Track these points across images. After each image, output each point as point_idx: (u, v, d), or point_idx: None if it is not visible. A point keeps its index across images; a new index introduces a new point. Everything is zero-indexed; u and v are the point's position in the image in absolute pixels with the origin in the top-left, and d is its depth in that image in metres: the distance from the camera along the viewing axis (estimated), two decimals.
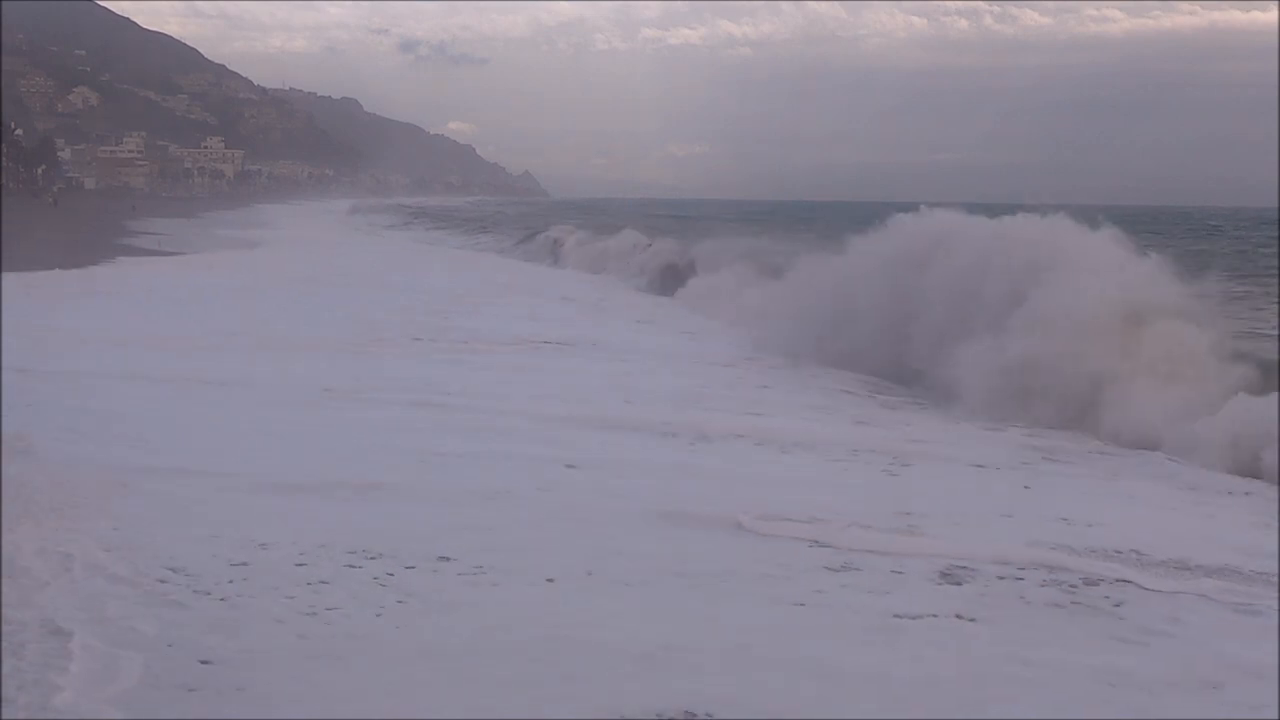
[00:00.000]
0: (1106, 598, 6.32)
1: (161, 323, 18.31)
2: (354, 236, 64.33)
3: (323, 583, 6.02)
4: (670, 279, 28.87)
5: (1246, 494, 8.87)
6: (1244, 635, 5.84)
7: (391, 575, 6.19)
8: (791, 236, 31.37)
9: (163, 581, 5.93)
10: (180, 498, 7.56)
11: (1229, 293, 21.09)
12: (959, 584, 6.46)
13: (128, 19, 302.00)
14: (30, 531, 6.53)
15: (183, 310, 20.52)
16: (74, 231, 50.68)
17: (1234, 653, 5.57)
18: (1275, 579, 6.65)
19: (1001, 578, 6.58)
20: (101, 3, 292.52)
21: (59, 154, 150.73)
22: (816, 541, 7.11)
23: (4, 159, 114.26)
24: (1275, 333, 17.02)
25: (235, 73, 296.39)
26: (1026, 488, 8.99)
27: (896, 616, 5.90)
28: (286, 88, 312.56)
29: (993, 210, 17.04)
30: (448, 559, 6.48)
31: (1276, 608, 6.20)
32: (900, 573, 6.61)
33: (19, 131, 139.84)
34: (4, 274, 22.74)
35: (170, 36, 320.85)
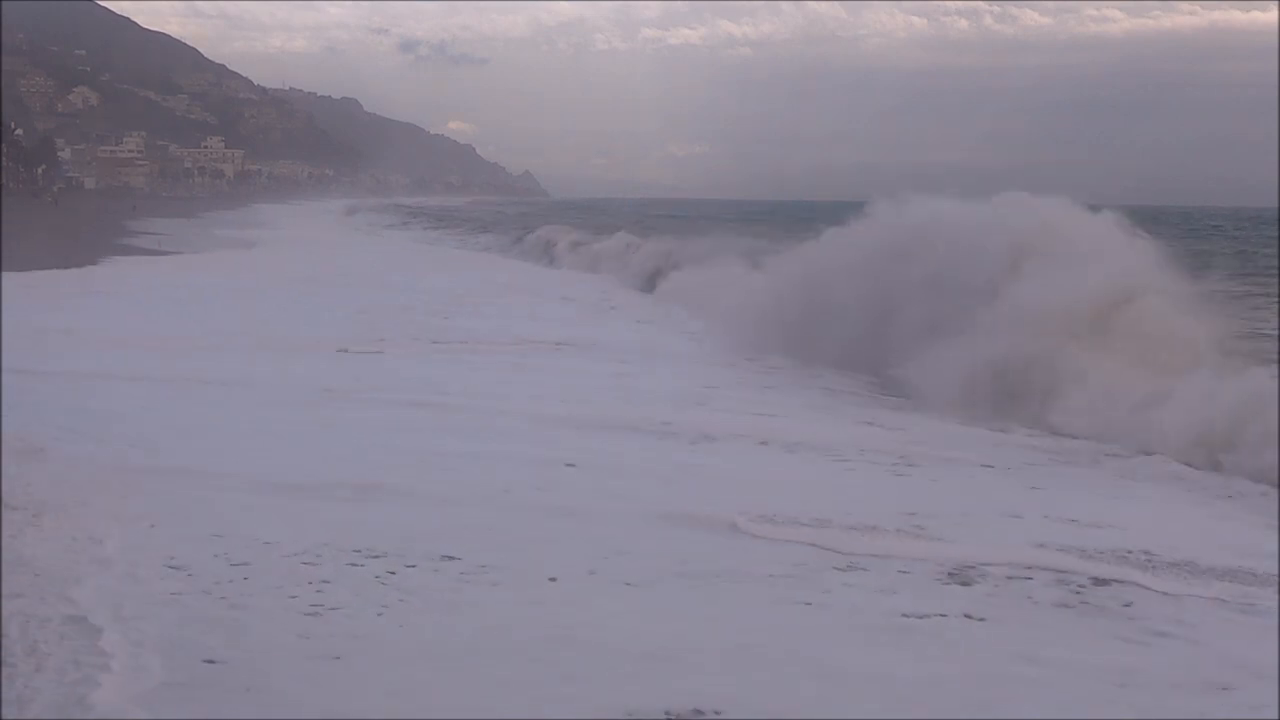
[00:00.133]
0: (1115, 599, 6.29)
1: (161, 323, 18.31)
2: (353, 236, 64.33)
3: (324, 582, 6.00)
4: (658, 278, 28.72)
5: (1261, 495, 8.81)
6: (1253, 637, 5.80)
7: (393, 574, 6.18)
8: (791, 235, 31.28)
9: (165, 581, 5.91)
10: (181, 498, 7.54)
11: (1229, 292, 21.10)
12: (967, 584, 6.43)
13: (128, 19, 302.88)
14: (30, 531, 6.52)
15: (183, 310, 20.51)
16: (74, 231, 50.70)
17: (1242, 654, 5.54)
18: None
19: (1010, 578, 6.55)
20: (101, 3, 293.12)
21: (59, 154, 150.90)
22: (823, 542, 7.07)
23: (4, 159, 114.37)
24: (1276, 333, 17.00)
25: (235, 73, 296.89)
26: (1034, 488, 8.95)
27: (904, 616, 5.87)
28: (286, 88, 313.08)
29: None
30: (449, 558, 6.46)
31: (1277, 608, 6.18)
32: (907, 573, 6.59)
33: (19, 131, 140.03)
34: (4, 274, 22.73)
35: (170, 36, 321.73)
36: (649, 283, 29.19)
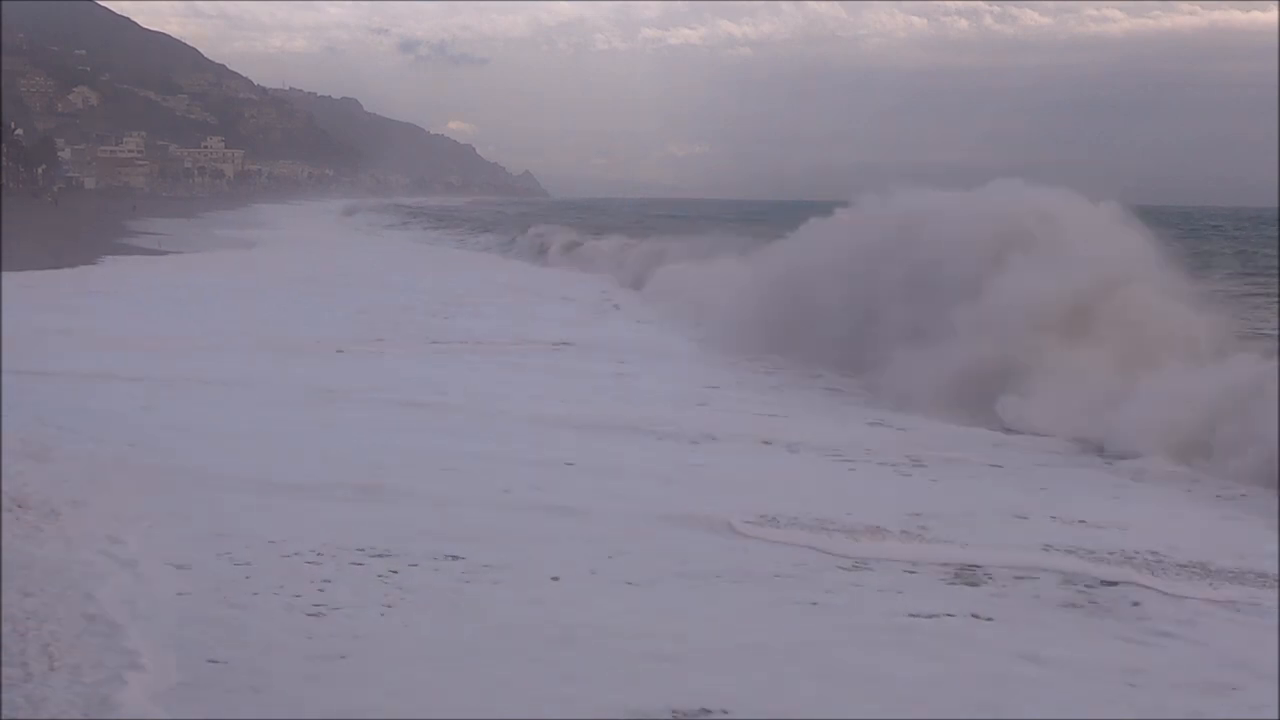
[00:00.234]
0: (1122, 599, 6.28)
1: (161, 322, 18.30)
2: (353, 236, 64.31)
3: (327, 581, 6.00)
4: (646, 276, 28.66)
5: (1269, 498, 8.79)
6: (1259, 638, 5.79)
7: (395, 574, 6.17)
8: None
9: (170, 581, 5.89)
10: (182, 498, 7.53)
11: (1229, 292, 21.11)
12: (974, 584, 6.42)
13: (128, 19, 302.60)
14: (34, 532, 6.51)
15: (182, 310, 20.49)
16: (74, 231, 50.66)
17: (1248, 655, 5.53)
18: None
19: (1018, 578, 6.53)
20: (101, 3, 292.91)
21: (59, 154, 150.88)
22: (826, 542, 7.05)
23: (4, 159, 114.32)
24: (1276, 332, 16.99)
25: (235, 73, 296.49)
26: (1042, 489, 8.93)
27: (911, 616, 5.86)
28: (286, 88, 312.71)
29: None
30: (451, 558, 6.45)
31: (1278, 610, 6.18)
32: (914, 573, 6.58)
33: (19, 131, 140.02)
34: (4, 274, 22.71)
35: (170, 36, 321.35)
36: (639, 281, 29.17)
